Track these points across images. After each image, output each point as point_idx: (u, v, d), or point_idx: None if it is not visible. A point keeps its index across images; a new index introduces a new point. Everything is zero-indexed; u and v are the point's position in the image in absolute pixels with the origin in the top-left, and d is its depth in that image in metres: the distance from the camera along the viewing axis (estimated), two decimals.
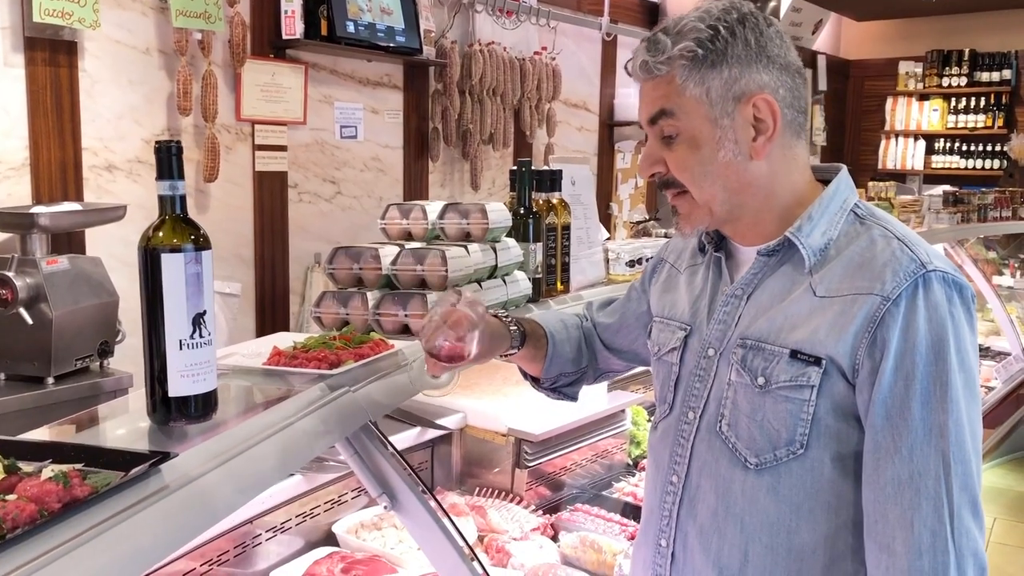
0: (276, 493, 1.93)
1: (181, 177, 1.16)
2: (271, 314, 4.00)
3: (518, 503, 2.41)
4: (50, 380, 2.77)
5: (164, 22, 3.43)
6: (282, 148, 3.99)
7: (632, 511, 2.43)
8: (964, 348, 1.15)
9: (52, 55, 3.13)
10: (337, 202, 4.30)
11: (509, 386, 2.57)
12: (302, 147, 4.11)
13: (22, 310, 2.71)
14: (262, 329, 3.94)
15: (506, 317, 1.47)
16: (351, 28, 4.00)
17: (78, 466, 0.91)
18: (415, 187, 4.71)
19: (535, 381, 1.60)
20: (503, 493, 2.46)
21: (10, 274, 2.71)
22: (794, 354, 1.19)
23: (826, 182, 1.29)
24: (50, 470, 0.87)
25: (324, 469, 2.00)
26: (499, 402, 2.49)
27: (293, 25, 3.83)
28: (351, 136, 4.35)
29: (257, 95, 3.83)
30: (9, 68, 3.03)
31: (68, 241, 3.15)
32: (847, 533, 1.20)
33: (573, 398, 1.64)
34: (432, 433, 2.38)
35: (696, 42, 1.19)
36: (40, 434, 1.15)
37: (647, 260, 2.48)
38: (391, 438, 2.32)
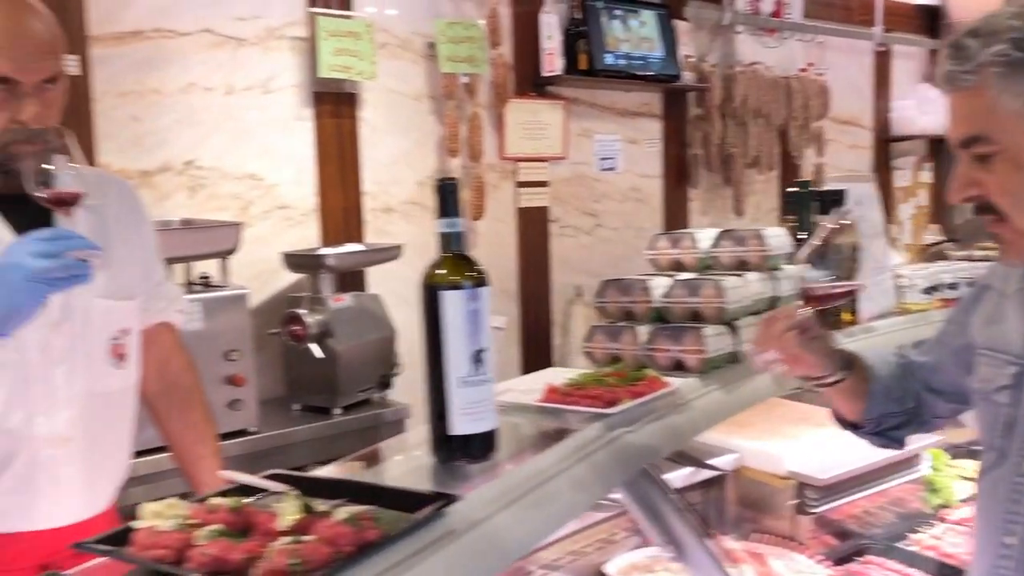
0: None
1: (459, 215, 1.15)
2: (535, 347, 4.04)
3: (801, 552, 2.23)
4: (337, 411, 2.94)
5: (433, 69, 3.59)
6: (543, 184, 4.05)
7: (937, 568, 2.16)
8: None
9: (336, 107, 3.37)
10: (597, 234, 4.29)
11: (787, 425, 2.40)
12: (562, 181, 4.14)
13: (313, 345, 2.91)
14: (526, 362, 3.99)
15: None
16: (610, 60, 3.99)
17: (369, 508, 0.90)
18: (675, 216, 4.60)
19: (854, 427, 1.45)
20: (781, 540, 2.29)
21: (303, 312, 2.92)
22: None
23: None
24: (345, 512, 0.87)
25: (595, 507, 1.94)
26: (778, 443, 2.32)
27: (553, 62, 3.88)
28: (610, 168, 4.33)
29: (520, 133, 3.91)
30: (300, 122, 3.30)
31: (352, 280, 3.36)
32: None
33: (900, 443, 1.47)
34: (705, 473, 2.27)
35: (1013, 43, 1.01)
36: (328, 470, 1.17)
37: (946, 287, 2.22)
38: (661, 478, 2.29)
